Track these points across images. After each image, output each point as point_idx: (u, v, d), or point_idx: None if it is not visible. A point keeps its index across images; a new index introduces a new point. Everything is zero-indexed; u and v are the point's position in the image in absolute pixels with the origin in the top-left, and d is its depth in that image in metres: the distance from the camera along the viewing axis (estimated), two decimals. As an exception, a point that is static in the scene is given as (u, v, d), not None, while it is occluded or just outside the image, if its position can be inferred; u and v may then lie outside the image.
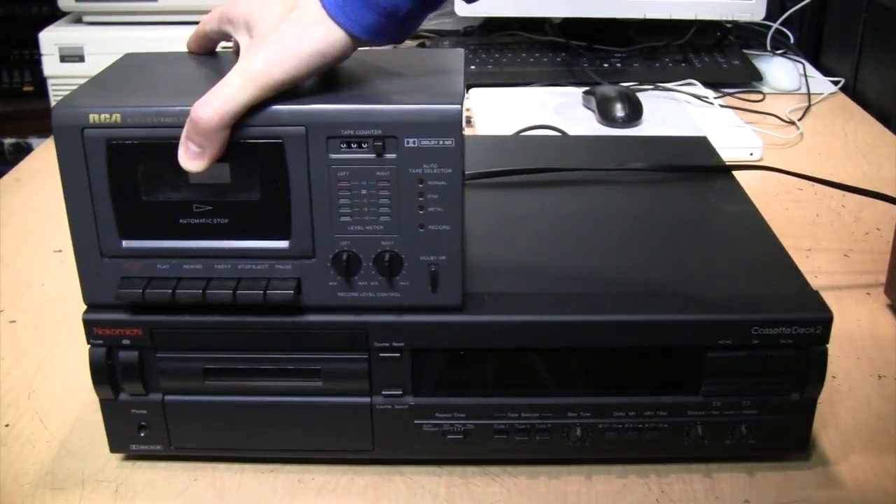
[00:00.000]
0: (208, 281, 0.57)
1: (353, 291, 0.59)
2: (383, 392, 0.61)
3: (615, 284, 0.63)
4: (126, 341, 0.60)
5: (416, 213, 0.56)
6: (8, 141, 1.84)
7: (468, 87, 1.34)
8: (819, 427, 0.66)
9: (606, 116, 1.19)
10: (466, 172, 0.68)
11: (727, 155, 0.88)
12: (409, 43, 1.57)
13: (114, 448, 0.64)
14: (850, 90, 1.43)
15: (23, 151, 1.77)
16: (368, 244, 0.57)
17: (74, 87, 0.59)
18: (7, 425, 0.68)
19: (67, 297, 0.85)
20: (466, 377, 0.61)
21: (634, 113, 1.19)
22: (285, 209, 0.56)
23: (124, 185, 0.55)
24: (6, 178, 1.14)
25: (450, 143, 0.55)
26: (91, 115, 0.54)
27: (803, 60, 1.46)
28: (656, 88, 1.33)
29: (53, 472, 0.64)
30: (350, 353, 0.60)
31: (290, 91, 0.59)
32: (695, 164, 0.83)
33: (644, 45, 1.45)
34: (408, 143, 0.55)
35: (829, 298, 0.61)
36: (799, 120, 1.29)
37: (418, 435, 0.62)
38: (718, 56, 1.43)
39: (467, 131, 1.16)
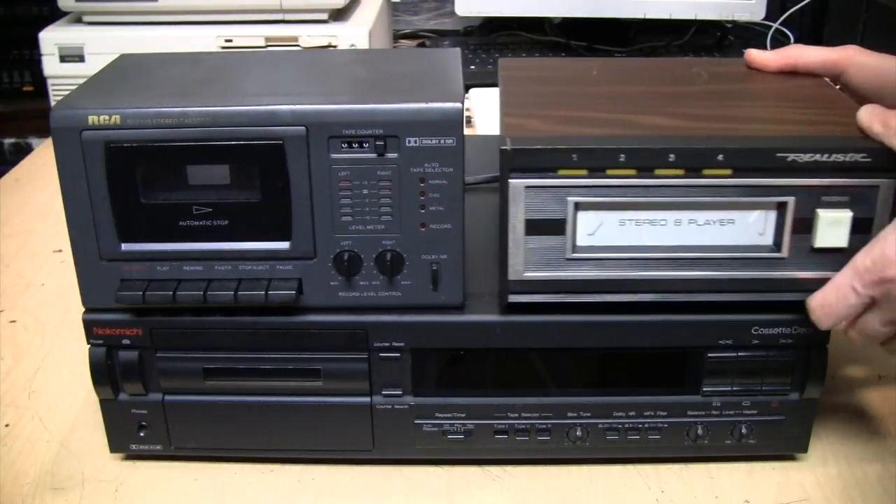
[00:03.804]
0: (209, 282, 0.57)
1: (354, 291, 0.59)
2: (383, 392, 0.61)
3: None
4: (126, 341, 0.60)
5: (417, 213, 0.57)
6: (8, 141, 1.84)
7: (468, 87, 1.33)
8: (819, 427, 0.66)
9: (606, 116, 1.19)
10: (469, 179, 0.69)
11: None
12: (408, 43, 1.57)
13: (114, 448, 0.64)
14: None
15: (23, 151, 1.77)
16: (370, 244, 0.57)
17: (74, 87, 0.59)
18: (7, 425, 0.68)
19: (67, 297, 0.85)
20: (466, 377, 0.61)
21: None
22: (286, 210, 0.56)
23: (123, 187, 0.55)
24: (6, 178, 1.14)
25: (451, 142, 0.55)
26: (90, 117, 0.54)
27: (803, 60, 1.46)
28: (656, 88, 1.33)
29: (53, 472, 0.64)
30: (350, 353, 0.60)
31: (290, 90, 0.59)
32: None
33: (644, 45, 1.45)
34: (409, 142, 0.55)
35: (829, 298, 0.61)
36: (799, 120, 1.28)
37: (418, 435, 0.62)
38: (718, 56, 1.43)
39: (467, 131, 1.16)
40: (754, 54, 0.68)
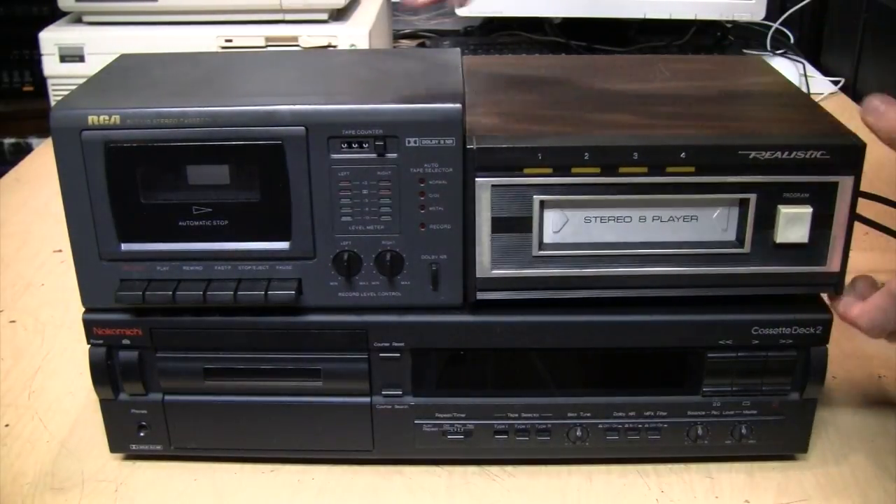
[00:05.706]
0: (209, 282, 0.57)
1: (354, 291, 0.59)
2: (383, 392, 0.61)
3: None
4: (126, 341, 0.60)
5: (417, 213, 0.57)
6: (8, 141, 1.84)
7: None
8: (819, 427, 0.66)
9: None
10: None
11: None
12: (408, 43, 1.57)
13: (114, 448, 0.64)
14: (850, 90, 1.43)
15: (23, 151, 1.77)
16: (369, 244, 0.57)
17: (74, 87, 0.59)
18: (7, 425, 0.68)
19: (67, 297, 0.85)
20: (466, 377, 0.61)
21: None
22: (286, 210, 0.56)
23: (123, 187, 0.55)
24: (6, 178, 1.14)
25: (451, 142, 0.55)
26: (90, 117, 0.54)
27: (803, 60, 1.46)
28: (656, 88, 1.33)
29: (53, 472, 0.64)
30: (350, 353, 0.60)
31: (289, 90, 0.59)
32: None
33: (644, 45, 1.45)
34: (409, 142, 0.55)
35: (829, 298, 0.61)
36: (799, 120, 1.28)
37: (418, 435, 0.62)
38: (718, 56, 1.43)
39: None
40: (872, 112, 0.56)
